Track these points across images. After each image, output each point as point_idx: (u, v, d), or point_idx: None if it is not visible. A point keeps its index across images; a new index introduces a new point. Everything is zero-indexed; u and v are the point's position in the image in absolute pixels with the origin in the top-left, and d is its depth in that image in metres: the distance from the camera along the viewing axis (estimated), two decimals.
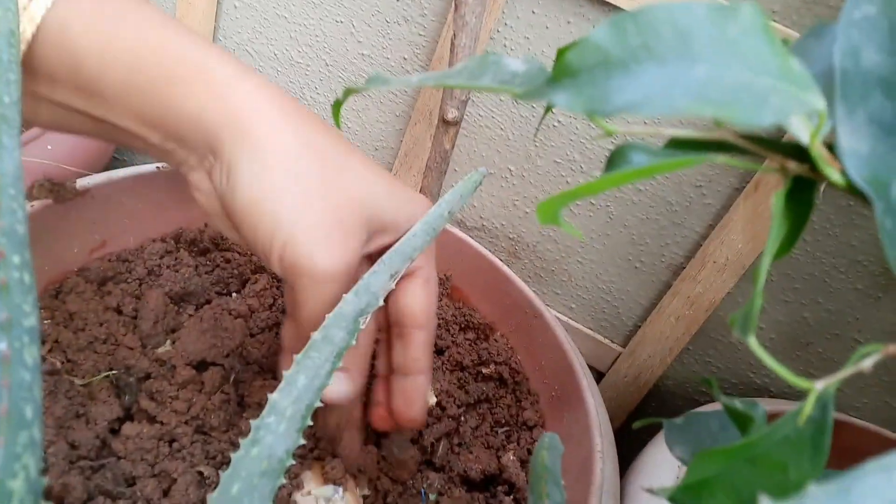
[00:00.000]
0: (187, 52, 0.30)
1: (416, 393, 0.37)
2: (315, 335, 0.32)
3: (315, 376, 0.32)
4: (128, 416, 0.43)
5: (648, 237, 0.59)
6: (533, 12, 0.52)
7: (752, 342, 0.18)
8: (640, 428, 0.33)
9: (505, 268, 0.59)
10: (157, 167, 0.52)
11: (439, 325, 0.58)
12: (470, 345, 0.57)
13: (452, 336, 0.58)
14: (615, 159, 0.21)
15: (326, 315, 0.31)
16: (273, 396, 0.31)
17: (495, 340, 0.58)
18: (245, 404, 0.44)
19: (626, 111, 0.15)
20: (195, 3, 0.62)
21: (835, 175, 0.18)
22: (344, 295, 0.33)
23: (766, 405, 0.58)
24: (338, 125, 0.29)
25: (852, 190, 0.18)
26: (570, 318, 0.68)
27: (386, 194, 0.33)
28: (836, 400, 0.61)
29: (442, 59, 0.55)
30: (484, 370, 0.54)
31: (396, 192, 0.34)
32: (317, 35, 0.61)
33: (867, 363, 0.18)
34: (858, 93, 0.18)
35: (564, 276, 0.65)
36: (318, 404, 0.32)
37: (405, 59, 0.59)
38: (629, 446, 0.57)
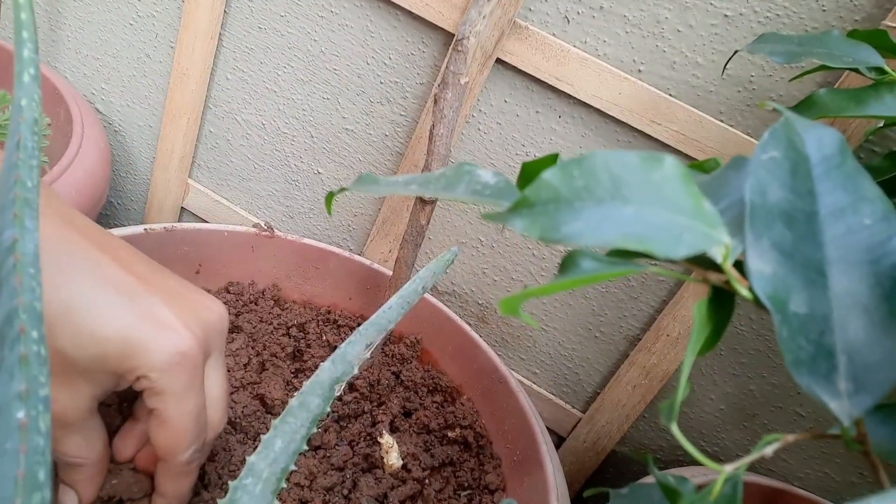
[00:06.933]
0: None
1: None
2: (292, 402, 0.35)
3: (291, 440, 0.34)
4: None
5: (607, 309, 0.63)
6: (505, 101, 0.57)
7: (674, 428, 0.21)
8: (592, 496, 0.35)
9: (473, 333, 0.62)
10: (145, 229, 0.54)
11: (408, 388, 0.60)
12: (437, 408, 0.59)
13: (420, 398, 0.60)
14: (567, 264, 0.24)
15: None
16: (251, 459, 0.34)
17: (462, 404, 0.60)
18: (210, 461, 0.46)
19: (570, 240, 0.19)
20: (189, 73, 0.66)
21: (744, 291, 0.22)
22: (321, 364, 0.35)
23: (713, 472, 0.61)
24: (329, 213, 0.32)
25: (758, 303, 0.22)
26: (534, 382, 0.71)
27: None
28: (781, 469, 0.64)
29: (421, 139, 0.59)
30: (450, 433, 0.57)
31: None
32: (304, 109, 0.65)
33: (769, 450, 0.21)
34: (764, 223, 0.22)
35: (529, 342, 0.69)
36: (294, 468, 0.34)
37: (386, 135, 0.63)
38: None
